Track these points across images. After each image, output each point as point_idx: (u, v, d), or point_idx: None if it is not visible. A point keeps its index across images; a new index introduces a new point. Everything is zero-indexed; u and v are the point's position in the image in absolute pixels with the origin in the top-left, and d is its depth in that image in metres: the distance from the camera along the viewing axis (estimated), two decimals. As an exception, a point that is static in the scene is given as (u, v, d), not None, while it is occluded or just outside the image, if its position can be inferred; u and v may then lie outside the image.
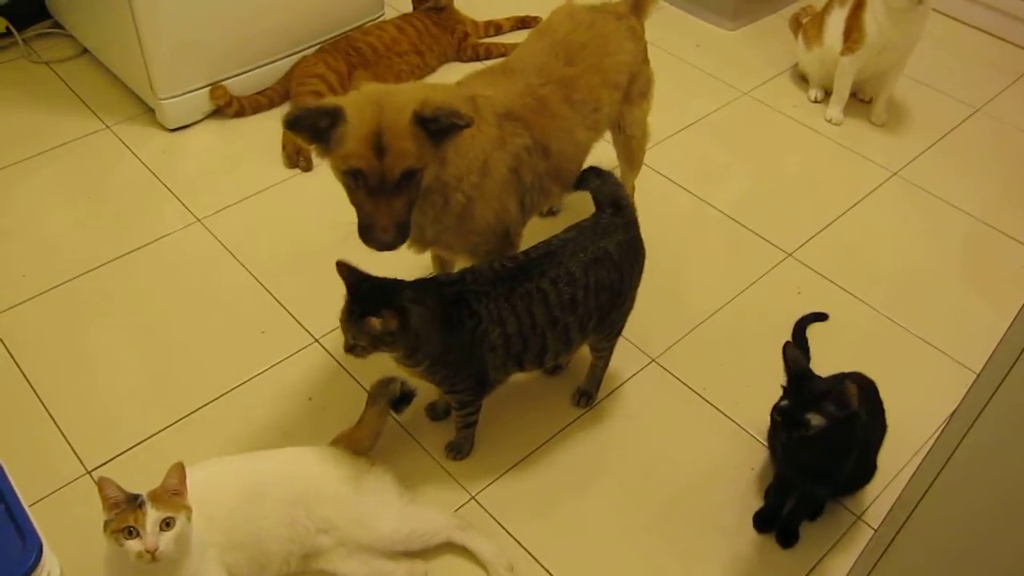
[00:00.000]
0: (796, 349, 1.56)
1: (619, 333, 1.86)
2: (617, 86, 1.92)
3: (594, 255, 1.66)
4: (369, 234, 1.52)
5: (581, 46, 1.84)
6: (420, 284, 1.60)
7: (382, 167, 1.47)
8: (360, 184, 1.50)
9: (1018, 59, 3.17)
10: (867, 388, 1.75)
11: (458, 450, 1.84)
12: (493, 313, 1.60)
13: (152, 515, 1.34)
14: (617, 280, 1.71)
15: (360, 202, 1.52)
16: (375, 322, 1.49)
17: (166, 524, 1.35)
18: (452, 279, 1.64)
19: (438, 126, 1.48)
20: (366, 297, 1.54)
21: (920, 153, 2.71)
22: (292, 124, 1.48)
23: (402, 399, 1.80)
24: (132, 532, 1.34)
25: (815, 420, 1.50)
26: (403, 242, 1.55)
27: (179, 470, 1.40)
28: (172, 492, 1.39)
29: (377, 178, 1.48)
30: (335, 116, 1.47)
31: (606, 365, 1.92)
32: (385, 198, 1.49)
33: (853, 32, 2.66)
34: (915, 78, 2.96)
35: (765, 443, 1.87)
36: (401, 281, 1.59)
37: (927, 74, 3.00)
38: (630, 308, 1.83)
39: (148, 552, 1.32)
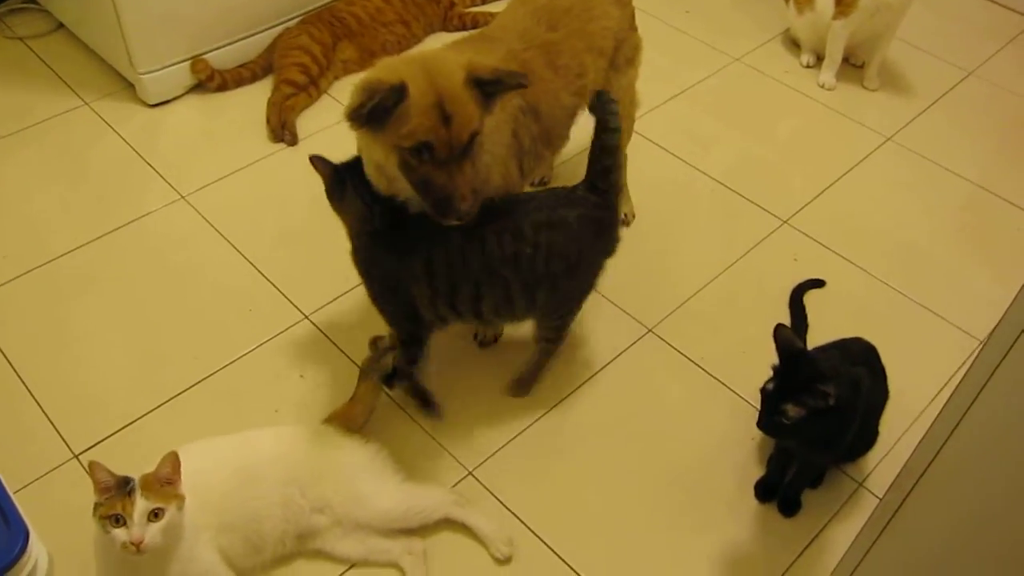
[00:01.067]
0: (788, 329, 1.52)
1: (563, 326, 1.80)
2: (602, 52, 1.88)
3: (550, 219, 1.62)
4: (448, 206, 1.47)
5: (564, 11, 1.80)
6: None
7: (450, 136, 1.44)
8: (426, 158, 1.45)
9: (1010, 22, 3.14)
10: (869, 353, 1.73)
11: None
12: (424, 245, 1.59)
13: (141, 505, 1.31)
14: (574, 252, 1.65)
15: (429, 177, 1.46)
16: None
17: (154, 515, 1.32)
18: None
19: (495, 88, 1.46)
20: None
21: (914, 117, 2.69)
22: (366, 116, 1.40)
23: (394, 373, 1.78)
24: (119, 520, 1.31)
25: (792, 411, 1.47)
26: (478, 209, 1.50)
27: (173, 459, 1.37)
28: (164, 481, 1.36)
29: (446, 148, 1.44)
30: (401, 93, 1.41)
31: (546, 358, 1.86)
32: (457, 166, 1.46)
33: (845, -5, 2.62)
34: (908, 41, 2.93)
35: (764, 412, 1.85)
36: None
37: (919, 38, 2.97)
38: (582, 292, 1.76)
39: (133, 544, 1.29)
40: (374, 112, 1.41)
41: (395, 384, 1.82)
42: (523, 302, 1.68)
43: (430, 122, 1.42)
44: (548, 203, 1.64)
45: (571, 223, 1.63)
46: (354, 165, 1.60)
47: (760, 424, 1.53)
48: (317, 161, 1.59)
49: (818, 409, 1.47)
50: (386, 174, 1.55)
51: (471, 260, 1.59)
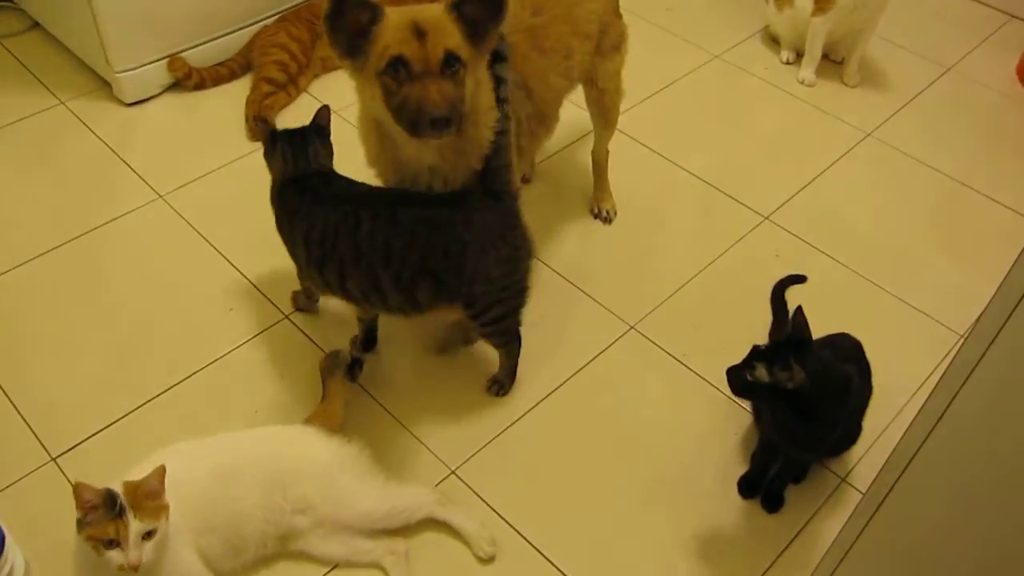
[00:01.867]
0: (804, 316, 1.53)
1: (497, 332, 1.77)
2: (588, 36, 1.89)
3: (431, 216, 1.60)
4: (420, 115, 1.44)
5: None
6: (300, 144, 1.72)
7: (424, 51, 1.44)
8: (403, 76, 1.45)
9: (986, 18, 3.16)
10: (854, 350, 1.73)
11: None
12: (309, 213, 1.65)
13: (135, 527, 1.31)
14: (456, 253, 1.60)
15: (405, 93, 1.46)
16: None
17: (148, 534, 1.31)
18: (327, 169, 1.74)
19: (473, 8, 1.47)
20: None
21: (893, 113, 2.70)
22: (335, 12, 1.43)
23: (353, 364, 1.81)
24: (113, 543, 1.30)
25: (759, 372, 1.49)
26: (458, 124, 1.49)
27: (160, 474, 1.35)
28: (151, 495, 1.34)
29: (421, 63, 1.45)
30: (376, 12, 1.45)
31: (507, 359, 1.85)
32: (432, 80, 1.45)
33: (824, -8, 2.63)
34: (887, 38, 2.94)
35: (747, 408, 1.85)
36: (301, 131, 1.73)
37: (898, 35, 2.98)
38: (498, 297, 1.68)
39: (132, 567, 1.29)
40: (350, 27, 1.45)
41: (356, 375, 1.82)
42: (397, 295, 1.63)
43: (403, 35, 1.44)
44: (435, 200, 1.64)
45: (457, 223, 1.60)
46: (289, 132, 1.73)
47: (728, 371, 1.54)
48: (260, 122, 1.80)
49: (780, 386, 1.48)
50: (376, 122, 1.57)
51: (342, 239, 1.60)
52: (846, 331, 1.78)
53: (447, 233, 1.60)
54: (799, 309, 1.54)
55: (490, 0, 1.48)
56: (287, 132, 1.73)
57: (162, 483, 1.36)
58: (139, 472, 1.37)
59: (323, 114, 1.75)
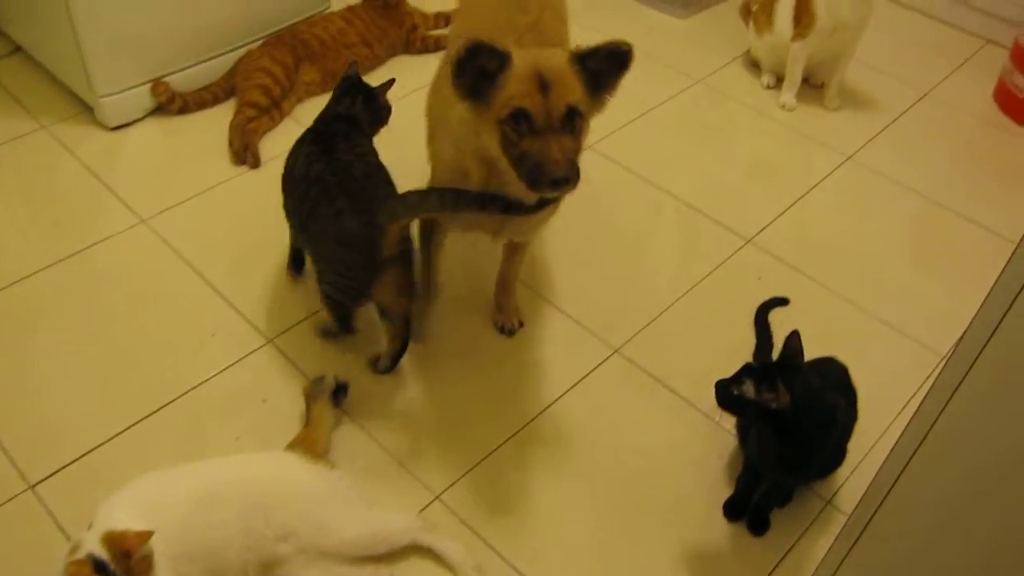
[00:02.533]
0: (800, 341, 1.54)
1: (325, 281, 1.83)
2: (565, 20, 1.94)
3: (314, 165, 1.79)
4: (541, 173, 1.45)
5: None
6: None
7: (547, 104, 1.44)
8: (524, 128, 1.45)
9: (964, 44, 3.20)
10: (841, 375, 1.74)
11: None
12: (305, 155, 1.84)
13: None
14: (308, 207, 1.78)
15: (526, 147, 1.46)
16: None
17: None
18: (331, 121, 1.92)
19: (597, 62, 1.48)
20: None
21: (873, 137, 2.72)
22: (468, 57, 1.43)
23: (338, 390, 1.81)
24: None
25: (746, 388, 1.50)
26: (577, 181, 1.48)
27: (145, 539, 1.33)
28: (134, 553, 1.32)
29: (543, 117, 1.45)
30: (504, 59, 1.44)
31: (394, 335, 1.88)
32: (554, 135, 1.46)
33: (803, 17, 2.66)
34: (866, 63, 2.97)
35: (732, 431, 1.85)
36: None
37: (877, 59, 3.02)
38: (317, 263, 1.85)
39: None
40: (477, 73, 1.44)
41: (341, 400, 1.82)
42: (303, 235, 1.86)
43: (527, 88, 1.44)
44: (350, 152, 1.81)
45: (330, 172, 1.77)
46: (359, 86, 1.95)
47: (717, 383, 1.55)
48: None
49: (764, 406, 1.48)
50: (485, 160, 1.57)
51: (294, 169, 1.85)
52: (828, 353, 1.78)
53: (320, 186, 1.77)
54: (794, 333, 1.55)
55: (614, 55, 1.49)
56: (356, 85, 1.94)
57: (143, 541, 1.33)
58: (119, 508, 1.35)
59: (385, 87, 1.97)
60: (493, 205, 1.61)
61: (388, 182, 1.81)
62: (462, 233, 1.90)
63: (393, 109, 1.99)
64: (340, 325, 1.93)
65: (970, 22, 3.23)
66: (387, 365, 1.92)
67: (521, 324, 2.06)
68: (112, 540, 1.31)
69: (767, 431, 1.57)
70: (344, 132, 1.88)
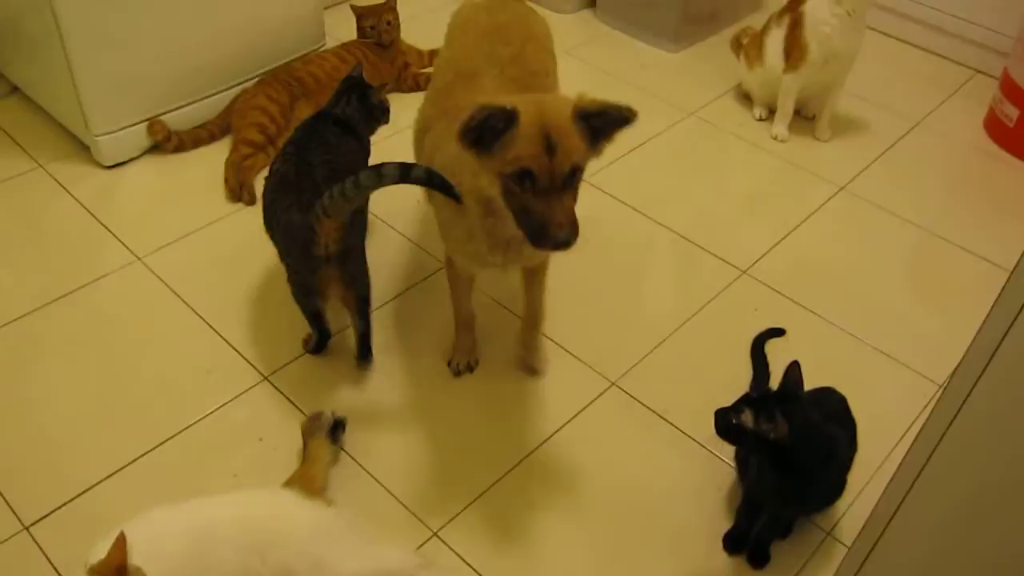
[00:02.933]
0: (800, 372, 1.54)
1: (288, 279, 1.91)
2: (550, 51, 1.97)
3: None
4: (544, 233, 1.47)
5: (506, 26, 1.88)
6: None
7: (552, 165, 1.45)
8: (527, 186, 1.46)
9: (953, 73, 3.23)
10: (840, 406, 1.73)
11: None
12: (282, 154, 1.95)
13: None
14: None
15: (527, 205, 1.48)
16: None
17: None
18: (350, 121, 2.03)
19: (601, 122, 1.49)
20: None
21: (865, 167, 2.74)
22: (477, 125, 1.43)
23: (336, 426, 1.80)
24: None
25: (745, 417, 1.50)
26: (576, 238, 1.50)
27: (121, 548, 1.31)
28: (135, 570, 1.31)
29: (547, 177, 1.46)
30: (511, 118, 1.44)
31: (353, 323, 1.96)
32: (556, 196, 1.47)
33: (794, 50, 2.69)
34: (857, 94, 3.00)
35: (731, 463, 1.84)
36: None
37: (868, 90, 3.05)
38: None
39: None
40: (484, 131, 1.44)
41: (339, 437, 1.82)
42: (268, 232, 1.94)
43: (535, 150, 1.44)
44: (320, 155, 1.90)
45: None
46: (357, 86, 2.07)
47: (716, 412, 1.54)
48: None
49: (762, 436, 1.48)
50: (482, 199, 1.57)
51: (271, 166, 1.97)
52: (826, 382, 1.78)
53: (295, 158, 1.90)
54: (794, 364, 1.55)
55: (620, 117, 1.50)
56: (355, 84, 2.06)
57: (124, 556, 1.31)
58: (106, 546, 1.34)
59: (381, 87, 2.09)
60: (441, 186, 1.65)
61: None
62: (478, 270, 1.90)
63: (387, 149, 2.02)
64: (311, 326, 2.00)
65: (959, 53, 3.27)
66: (359, 354, 1.99)
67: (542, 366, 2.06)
68: (97, 570, 1.30)
69: (765, 462, 1.56)
70: (323, 135, 1.97)
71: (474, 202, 1.61)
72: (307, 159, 1.88)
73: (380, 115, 2.11)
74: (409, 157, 1.95)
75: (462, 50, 1.87)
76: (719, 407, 1.55)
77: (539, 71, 1.86)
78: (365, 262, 1.92)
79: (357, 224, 1.87)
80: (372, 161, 1.99)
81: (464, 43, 1.87)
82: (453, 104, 1.74)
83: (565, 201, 1.48)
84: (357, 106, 2.05)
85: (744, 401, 1.53)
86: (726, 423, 1.52)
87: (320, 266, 1.81)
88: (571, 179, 1.48)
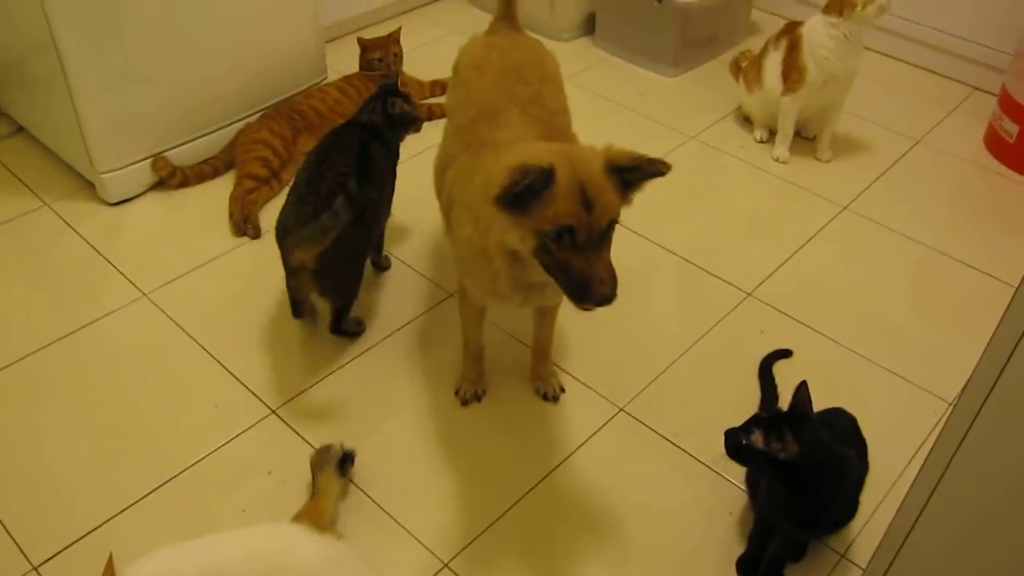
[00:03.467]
0: (808, 392, 1.53)
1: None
2: (562, 88, 1.99)
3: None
4: (587, 291, 1.47)
5: (521, 66, 1.90)
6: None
7: (590, 221, 1.45)
8: (566, 243, 1.45)
9: (952, 91, 3.25)
10: (850, 427, 1.72)
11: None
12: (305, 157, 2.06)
13: None
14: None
15: (566, 262, 1.47)
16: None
17: None
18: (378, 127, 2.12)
19: (634, 176, 1.50)
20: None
21: (867, 186, 2.75)
22: (519, 191, 1.41)
23: (345, 459, 1.80)
24: None
25: (755, 438, 1.49)
26: (616, 293, 1.50)
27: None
28: None
29: (586, 233, 1.45)
30: (550, 177, 1.43)
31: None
32: (596, 251, 1.47)
33: (792, 72, 2.70)
34: (856, 114, 3.01)
35: (741, 486, 1.83)
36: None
37: (867, 110, 3.06)
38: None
39: None
40: (523, 194, 1.42)
41: (347, 470, 1.81)
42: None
43: (573, 207, 1.43)
44: (333, 168, 1.96)
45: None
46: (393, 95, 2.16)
47: (726, 432, 1.54)
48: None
49: (772, 456, 1.47)
50: (510, 251, 1.56)
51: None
52: (834, 402, 1.78)
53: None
54: (803, 384, 1.54)
55: (652, 171, 1.50)
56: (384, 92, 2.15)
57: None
58: None
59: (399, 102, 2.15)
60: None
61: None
62: (495, 304, 1.90)
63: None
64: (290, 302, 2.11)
65: (957, 71, 3.28)
66: (331, 325, 2.11)
67: (562, 389, 2.05)
68: None
69: (776, 483, 1.55)
70: (346, 143, 2.04)
71: (500, 252, 1.60)
72: (320, 171, 1.97)
73: (406, 124, 2.16)
74: (415, 184, 1.96)
75: (481, 90, 1.87)
76: (729, 428, 1.54)
77: (557, 110, 1.88)
78: (353, 275, 1.98)
79: (350, 238, 1.92)
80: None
81: (482, 83, 1.88)
82: (477, 139, 1.76)
83: (604, 255, 1.48)
84: (381, 113, 2.13)
85: (754, 421, 1.52)
86: (736, 443, 1.51)
87: (295, 274, 1.98)
88: (607, 232, 1.49)
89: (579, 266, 1.46)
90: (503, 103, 1.82)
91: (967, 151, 2.94)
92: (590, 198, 1.44)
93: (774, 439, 1.48)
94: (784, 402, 1.96)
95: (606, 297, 1.46)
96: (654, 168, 1.49)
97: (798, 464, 1.47)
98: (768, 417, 1.53)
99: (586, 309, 1.50)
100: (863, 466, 1.70)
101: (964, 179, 2.84)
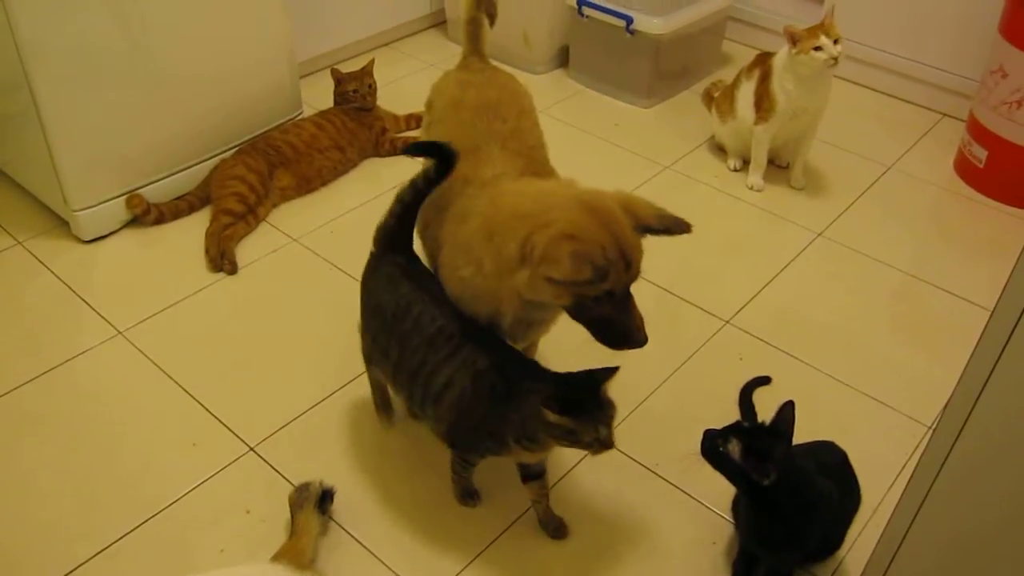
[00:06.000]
0: (793, 411, 1.53)
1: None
2: (537, 123, 1.99)
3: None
4: (628, 340, 1.54)
5: (496, 102, 1.90)
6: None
7: (627, 278, 1.51)
8: (603, 300, 1.49)
9: (921, 118, 3.30)
10: (838, 460, 1.71)
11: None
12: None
13: None
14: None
15: (607, 317, 1.52)
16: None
17: None
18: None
19: (659, 232, 1.55)
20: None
21: (841, 213, 2.78)
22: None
23: (324, 496, 1.78)
24: None
25: (732, 445, 1.49)
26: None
27: None
28: None
29: (623, 291, 1.50)
30: (606, 273, 1.46)
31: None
32: (629, 303, 1.52)
33: (764, 102, 2.73)
34: (828, 142, 3.06)
35: (725, 515, 1.83)
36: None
37: (839, 137, 3.10)
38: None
39: None
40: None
41: (327, 508, 1.78)
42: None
43: (618, 275, 1.48)
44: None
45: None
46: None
47: (706, 431, 1.55)
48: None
49: (744, 471, 1.47)
50: (526, 300, 1.56)
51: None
52: (815, 429, 1.78)
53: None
54: (789, 403, 1.53)
55: (678, 231, 1.57)
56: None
57: None
58: None
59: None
60: None
61: None
62: None
63: (367, 215, 2.01)
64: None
65: (926, 97, 3.34)
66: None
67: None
68: None
69: (744, 496, 1.56)
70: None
71: (509, 297, 1.59)
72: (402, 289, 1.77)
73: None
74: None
75: (459, 128, 1.87)
76: (709, 428, 1.55)
77: (535, 145, 1.91)
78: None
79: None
80: (366, 218, 1.98)
81: (460, 120, 1.88)
82: (460, 175, 1.74)
83: (635, 307, 1.54)
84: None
85: (734, 430, 1.52)
86: (712, 447, 1.52)
87: None
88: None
89: (617, 319, 1.52)
90: (482, 140, 1.82)
91: (938, 176, 2.98)
92: (629, 260, 1.49)
93: (754, 459, 1.47)
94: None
95: (644, 342, 1.54)
96: (680, 228, 1.56)
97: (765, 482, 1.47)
98: (750, 428, 1.52)
99: (623, 349, 1.57)
100: (852, 501, 1.70)
101: (936, 204, 2.88)
